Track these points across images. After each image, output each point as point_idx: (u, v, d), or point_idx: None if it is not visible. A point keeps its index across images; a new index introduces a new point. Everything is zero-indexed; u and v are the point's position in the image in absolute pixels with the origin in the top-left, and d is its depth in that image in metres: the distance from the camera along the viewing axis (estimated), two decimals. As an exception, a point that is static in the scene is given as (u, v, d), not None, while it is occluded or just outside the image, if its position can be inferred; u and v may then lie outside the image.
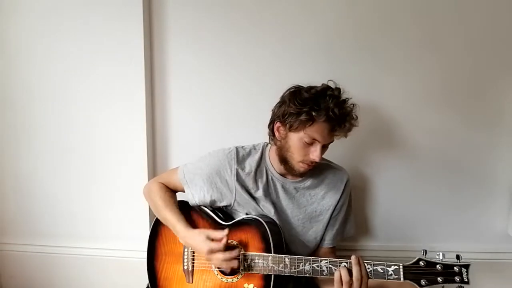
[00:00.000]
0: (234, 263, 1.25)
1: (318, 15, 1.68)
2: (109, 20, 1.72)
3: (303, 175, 1.38)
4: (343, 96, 1.29)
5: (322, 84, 1.31)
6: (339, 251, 1.54)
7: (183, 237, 1.32)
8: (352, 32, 1.68)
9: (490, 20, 1.63)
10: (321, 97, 1.25)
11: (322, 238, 1.44)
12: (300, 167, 1.31)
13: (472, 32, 1.64)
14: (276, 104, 1.36)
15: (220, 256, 1.23)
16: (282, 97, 1.34)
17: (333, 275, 1.17)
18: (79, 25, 1.74)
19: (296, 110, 1.24)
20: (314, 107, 1.22)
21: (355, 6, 1.66)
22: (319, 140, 1.26)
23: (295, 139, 1.28)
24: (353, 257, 1.15)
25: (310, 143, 1.27)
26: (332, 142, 1.31)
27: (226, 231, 1.26)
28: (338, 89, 1.30)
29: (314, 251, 1.46)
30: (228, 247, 1.25)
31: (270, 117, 1.41)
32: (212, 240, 1.25)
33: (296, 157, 1.30)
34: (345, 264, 1.17)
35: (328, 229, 1.44)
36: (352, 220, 1.52)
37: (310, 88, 1.29)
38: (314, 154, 1.27)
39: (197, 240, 1.27)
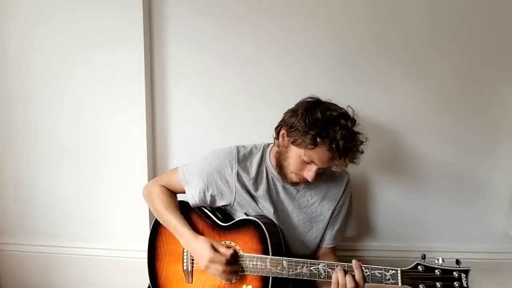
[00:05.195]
0: (232, 277, 1.29)
1: (319, 18, 1.68)
2: (109, 20, 1.71)
3: (295, 185, 1.37)
4: (357, 129, 1.27)
5: (340, 108, 1.28)
6: (340, 251, 1.54)
7: (187, 241, 1.33)
8: (352, 35, 1.67)
9: (490, 23, 1.63)
10: (332, 124, 1.22)
11: (322, 238, 1.44)
12: (292, 177, 1.32)
13: (471, 35, 1.64)
14: (289, 110, 1.34)
15: (220, 268, 1.25)
16: (297, 106, 1.32)
17: (331, 278, 1.17)
18: (79, 26, 1.73)
19: (304, 129, 1.22)
20: (322, 132, 1.20)
21: (355, 10, 1.66)
22: (316, 163, 1.26)
23: (295, 153, 1.28)
24: (354, 261, 1.15)
25: (308, 162, 1.27)
26: (329, 167, 1.31)
27: (231, 250, 1.27)
28: (353, 121, 1.27)
29: (315, 251, 1.46)
30: (229, 262, 1.27)
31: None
32: (216, 251, 1.27)
33: (291, 169, 1.30)
34: (341, 266, 1.17)
35: (328, 229, 1.44)
36: (353, 220, 1.51)
37: (326, 109, 1.25)
38: (308, 174, 1.27)
39: (201, 246, 1.28)
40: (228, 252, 1.26)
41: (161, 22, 1.74)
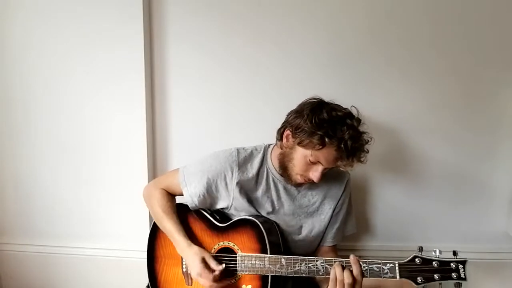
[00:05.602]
0: None
1: (319, 18, 1.68)
2: (109, 20, 1.71)
3: (299, 185, 1.37)
4: (362, 128, 1.28)
5: (345, 108, 1.29)
6: (340, 251, 1.53)
7: (181, 249, 1.33)
8: (352, 35, 1.68)
9: (490, 23, 1.63)
10: (339, 124, 1.22)
11: (323, 237, 1.45)
12: (297, 178, 1.31)
13: (471, 35, 1.64)
14: (293, 111, 1.34)
15: (207, 283, 1.26)
16: (301, 107, 1.31)
17: (329, 275, 1.17)
18: (79, 26, 1.74)
19: (311, 130, 1.22)
20: (329, 132, 1.20)
21: (355, 10, 1.66)
22: (323, 163, 1.25)
23: (300, 154, 1.27)
24: (351, 257, 1.16)
25: (314, 163, 1.27)
26: (335, 167, 1.31)
27: (222, 266, 1.27)
28: (359, 120, 1.28)
29: (315, 250, 1.46)
30: (217, 280, 1.26)
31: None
32: (206, 265, 1.27)
33: (296, 170, 1.30)
34: (339, 262, 1.17)
35: (329, 227, 1.44)
36: (353, 218, 1.52)
37: (332, 109, 1.25)
38: (314, 174, 1.27)
39: (193, 258, 1.29)
40: (218, 268, 1.26)
41: (161, 22, 1.75)
